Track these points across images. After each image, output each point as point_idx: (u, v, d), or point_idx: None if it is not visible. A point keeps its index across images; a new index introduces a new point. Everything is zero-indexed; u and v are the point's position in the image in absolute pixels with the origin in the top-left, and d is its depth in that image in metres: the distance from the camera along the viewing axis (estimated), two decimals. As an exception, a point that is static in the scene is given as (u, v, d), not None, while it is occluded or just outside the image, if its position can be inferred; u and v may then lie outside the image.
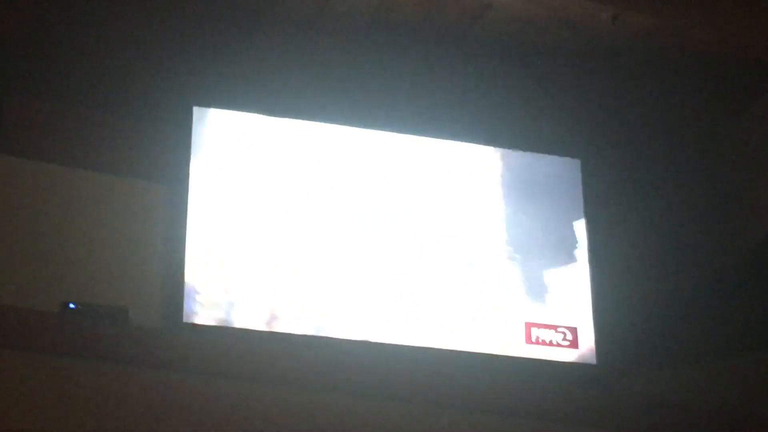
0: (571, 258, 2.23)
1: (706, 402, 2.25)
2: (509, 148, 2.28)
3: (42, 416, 1.77)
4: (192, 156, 2.13)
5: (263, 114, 2.21)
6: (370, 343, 2.07)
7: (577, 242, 2.24)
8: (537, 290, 2.19)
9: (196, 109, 2.18)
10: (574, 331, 2.17)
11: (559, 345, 2.15)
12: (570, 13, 2.10)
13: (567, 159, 2.30)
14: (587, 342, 2.17)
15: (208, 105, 2.20)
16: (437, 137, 2.25)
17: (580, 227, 2.25)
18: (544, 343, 2.15)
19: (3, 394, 1.76)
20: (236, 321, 2.04)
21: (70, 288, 2.11)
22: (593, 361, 2.16)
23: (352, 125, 2.22)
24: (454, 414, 1.95)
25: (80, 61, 2.22)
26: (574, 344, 2.16)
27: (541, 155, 2.30)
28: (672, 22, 2.12)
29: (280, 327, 2.05)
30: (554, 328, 2.17)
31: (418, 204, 2.19)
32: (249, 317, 2.05)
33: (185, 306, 2.03)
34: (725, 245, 2.51)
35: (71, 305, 1.92)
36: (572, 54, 2.22)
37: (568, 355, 2.15)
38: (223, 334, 2.00)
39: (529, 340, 2.15)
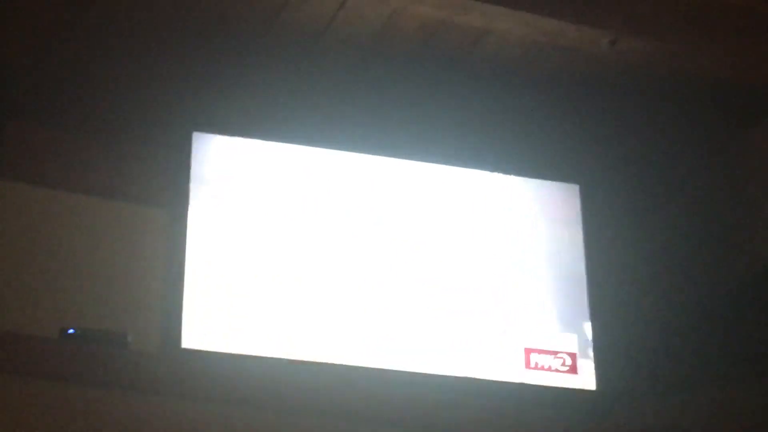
0: (570, 284, 2.23)
1: (705, 429, 2.25)
2: (507, 173, 2.29)
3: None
4: (191, 181, 2.14)
5: (263, 139, 2.21)
6: (369, 369, 2.07)
7: (576, 268, 2.24)
8: (536, 316, 2.19)
9: (195, 135, 2.18)
10: (573, 356, 2.17)
11: (558, 371, 2.15)
12: (568, 38, 2.11)
13: (566, 184, 2.31)
14: (586, 368, 2.17)
15: (208, 130, 2.20)
16: (435, 162, 2.25)
17: (578, 253, 2.25)
18: (543, 368, 2.15)
19: (2, 419, 1.76)
20: (236, 347, 2.04)
21: (69, 313, 2.11)
22: (592, 386, 2.16)
23: (350, 150, 2.22)
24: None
25: (80, 86, 2.22)
26: (573, 370, 2.16)
27: (539, 180, 2.30)
28: (671, 47, 2.12)
29: (281, 353, 2.05)
30: (553, 353, 2.16)
31: (417, 229, 2.19)
32: (249, 343, 2.04)
33: (184, 331, 2.03)
34: (726, 271, 2.50)
35: (70, 331, 1.92)
36: (570, 79, 2.22)
37: (568, 381, 2.15)
38: (222, 359, 1.99)
39: (528, 365, 2.15)
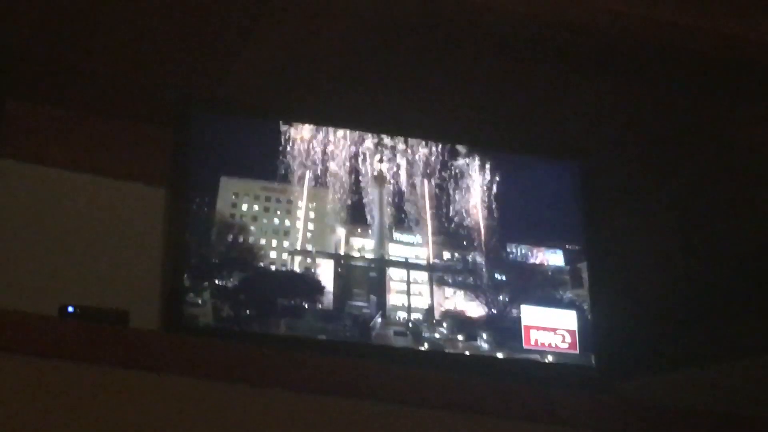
0: (570, 261, 2.23)
1: (704, 404, 2.25)
2: (506, 150, 2.28)
3: (41, 420, 1.77)
4: (193, 160, 2.13)
5: (265, 118, 2.21)
6: (371, 346, 2.08)
7: (575, 246, 2.24)
8: (536, 294, 2.19)
9: (196, 113, 2.18)
10: (573, 333, 2.17)
11: (558, 348, 2.16)
12: (569, 13, 2.10)
13: (566, 162, 2.31)
14: (586, 345, 2.17)
15: (209, 109, 2.20)
16: (432, 139, 2.24)
17: (578, 231, 2.25)
18: (542, 345, 2.15)
19: (2, 398, 1.76)
20: (238, 324, 2.04)
21: (69, 292, 2.12)
22: (592, 363, 2.16)
23: (345, 126, 2.22)
24: (450, 416, 1.95)
25: (80, 64, 2.22)
26: (573, 347, 2.16)
27: (539, 158, 2.30)
28: (675, 20, 2.12)
29: (282, 330, 2.06)
30: (553, 330, 2.17)
31: (412, 207, 2.19)
32: (250, 320, 2.05)
33: (186, 309, 2.03)
34: (727, 247, 2.51)
35: (70, 309, 1.92)
36: (571, 55, 2.22)
37: (567, 358, 2.15)
38: (224, 337, 2.00)
39: (528, 342, 2.15)
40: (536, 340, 2.15)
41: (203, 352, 1.89)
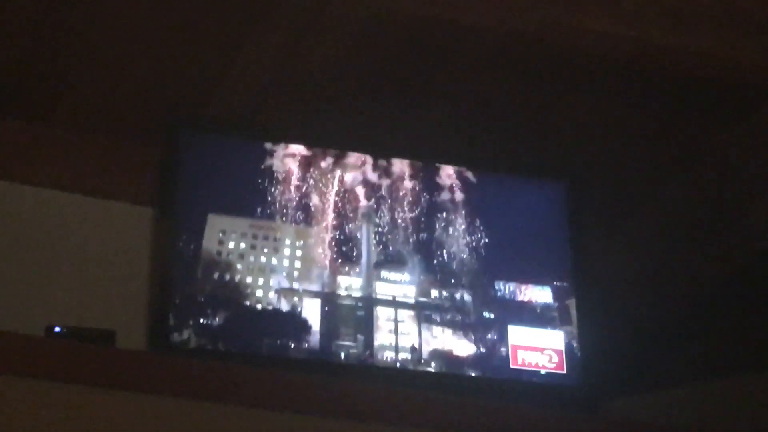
0: (556, 281, 2.23)
1: (691, 423, 2.25)
2: (493, 170, 2.29)
3: (27, 440, 1.77)
4: (180, 179, 2.13)
5: (252, 139, 2.21)
6: (361, 364, 2.09)
7: (562, 265, 2.24)
8: (522, 313, 2.19)
9: (184, 133, 2.18)
10: (560, 353, 2.17)
11: (544, 367, 2.16)
12: (555, 33, 2.11)
13: (551, 182, 2.31)
14: (573, 364, 2.17)
15: (197, 129, 2.20)
16: (421, 160, 2.25)
17: (564, 250, 2.26)
18: (530, 365, 2.15)
19: (-12, 418, 1.76)
20: (224, 344, 2.04)
21: (56, 312, 2.11)
22: (579, 383, 2.16)
23: (336, 147, 2.22)
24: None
25: (67, 83, 2.22)
26: (560, 366, 2.16)
27: (525, 178, 2.31)
28: (660, 41, 2.12)
29: (269, 350, 2.06)
30: (540, 350, 2.17)
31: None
32: (237, 341, 2.05)
33: (173, 329, 2.03)
34: (712, 267, 2.51)
35: (57, 329, 1.92)
36: (558, 75, 2.22)
37: (554, 378, 2.16)
38: (210, 357, 1.99)
39: (515, 362, 2.15)
40: (523, 360, 2.16)
41: (190, 372, 1.89)
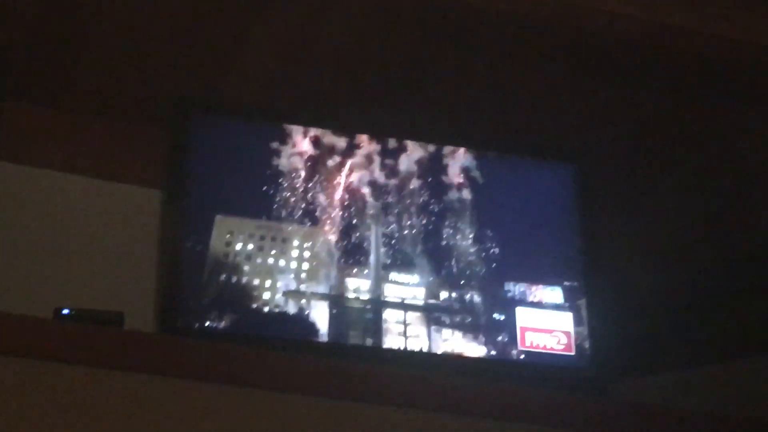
0: (565, 263, 2.23)
1: (701, 406, 2.25)
2: (502, 152, 2.29)
3: (37, 422, 1.77)
4: (189, 162, 2.13)
5: (262, 121, 2.21)
6: (367, 347, 2.09)
7: (571, 248, 2.24)
8: (531, 295, 2.19)
9: (193, 116, 2.18)
10: (568, 335, 2.17)
11: (553, 349, 2.16)
12: (565, 14, 2.10)
13: (561, 163, 2.31)
14: (582, 346, 2.17)
15: (206, 111, 2.20)
16: (428, 141, 2.25)
17: (573, 232, 2.25)
18: (538, 347, 2.15)
19: (-3, 400, 1.77)
20: (233, 326, 2.04)
21: (65, 293, 2.12)
22: (588, 365, 2.16)
23: (344, 130, 2.22)
24: (446, 418, 1.95)
25: (76, 66, 2.22)
26: (568, 348, 2.16)
27: (534, 160, 2.30)
28: (672, 22, 2.12)
29: (276, 331, 2.06)
30: (549, 332, 2.17)
31: (406, 211, 2.19)
32: (245, 322, 2.05)
33: (181, 310, 2.03)
34: (721, 249, 2.51)
35: (65, 311, 1.92)
36: (567, 57, 2.22)
37: (563, 360, 2.16)
38: (219, 339, 2.00)
39: (523, 344, 2.15)
40: (531, 342, 2.16)
41: (199, 354, 1.90)
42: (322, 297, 2.10)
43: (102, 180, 2.29)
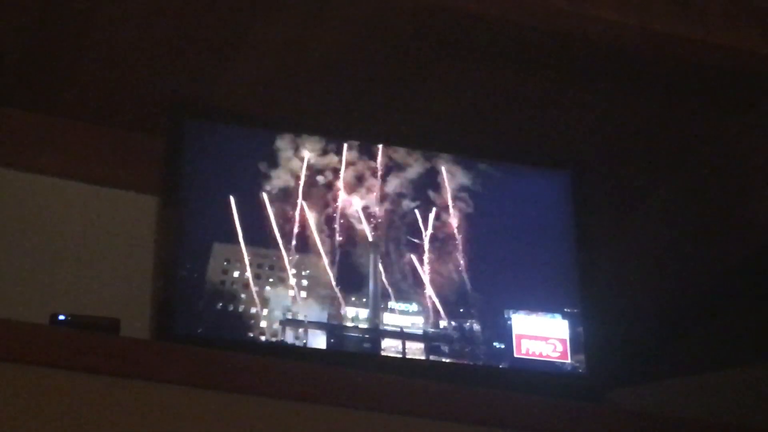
0: (560, 271, 2.23)
1: (697, 413, 2.26)
2: (496, 160, 2.29)
3: (32, 429, 1.76)
4: (185, 168, 2.13)
5: (257, 128, 2.21)
6: (362, 355, 2.08)
7: (565, 255, 2.24)
8: (526, 303, 2.19)
9: (189, 122, 2.18)
10: (564, 342, 2.17)
11: (549, 357, 2.16)
12: (561, 22, 2.10)
13: (555, 171, 2.31)
14: (578, 353, 2.17)
15: (202, 118, 2.20)
16: (423, 149, 2.24)
17: (569, 239, 2.25)
18: (534, 354, 2.15)
19: (-8, 406, 1.76)
20: (230, 333, 2.04)
21: (60, 300, 2.12)
22: (584, 372, 2.16)
23: (340, 137, 2.22)
24: (439, 425, 1.95)
25: (71, 71, 2.22)
26: (564, 356, 2.16)
27: (528, 167, 2.31)
28: (665, 30, 2.12)
29: (272, 338, 2.06)
30: (545, 339, 2.17)
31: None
32: (242, 329, 2.05)
33: (178, 318, 2.03)
34: (717, 257, 2.51)
35: (61, 317, 1.92)
36: (563, 64, 2.22)
37: (559, 367, 2.15)
38: (215, 346, 1.99)
39: (519, 351, 2.15)
40: (527, 349, 2.16)
41: (195, 361, 1.89)
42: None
43: (97, 186, 2.29)
